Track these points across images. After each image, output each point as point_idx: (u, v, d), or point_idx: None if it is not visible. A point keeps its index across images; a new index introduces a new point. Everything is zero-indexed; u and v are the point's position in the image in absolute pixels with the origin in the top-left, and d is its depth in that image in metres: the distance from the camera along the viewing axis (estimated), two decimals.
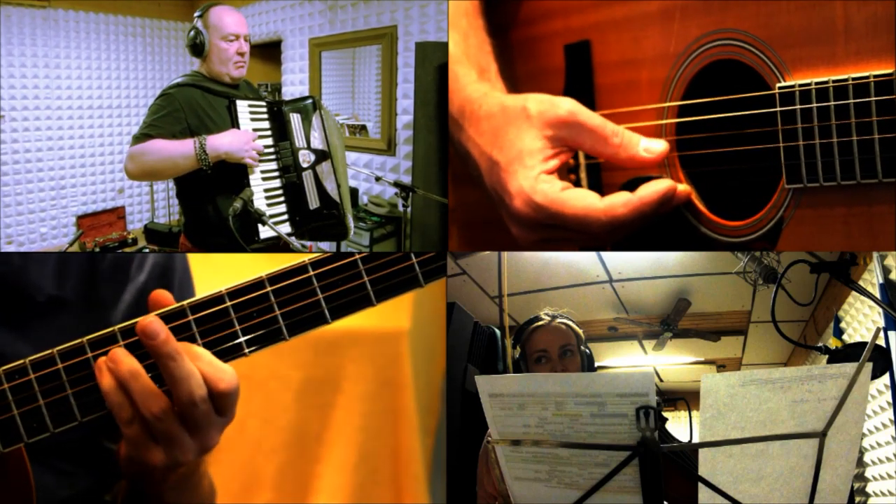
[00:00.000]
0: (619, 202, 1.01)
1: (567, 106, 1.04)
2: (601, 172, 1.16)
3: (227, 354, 0.82)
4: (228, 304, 0.81)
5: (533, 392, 0.99)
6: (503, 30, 1.25)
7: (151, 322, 0.77)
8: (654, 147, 1.04)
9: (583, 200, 1.02)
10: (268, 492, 1.80)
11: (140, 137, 1.86)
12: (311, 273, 0.82)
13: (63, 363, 0.79)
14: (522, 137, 1.05)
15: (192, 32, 1.99)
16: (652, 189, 1.02)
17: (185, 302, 0.81)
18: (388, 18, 3.69)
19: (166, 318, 0.81)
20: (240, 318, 0.81)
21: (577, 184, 1.14)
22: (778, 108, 0.95)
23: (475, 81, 1.14)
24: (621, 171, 1.12)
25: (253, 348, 0.82)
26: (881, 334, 1.66)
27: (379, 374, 1.83)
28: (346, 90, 4.31)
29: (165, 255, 1.03)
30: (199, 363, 0.78)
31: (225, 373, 0.80)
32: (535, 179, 1.03)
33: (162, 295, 0.82)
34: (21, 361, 0.79)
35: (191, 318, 0.81)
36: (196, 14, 2.02)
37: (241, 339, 0.82)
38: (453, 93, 1.14)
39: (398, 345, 1.83)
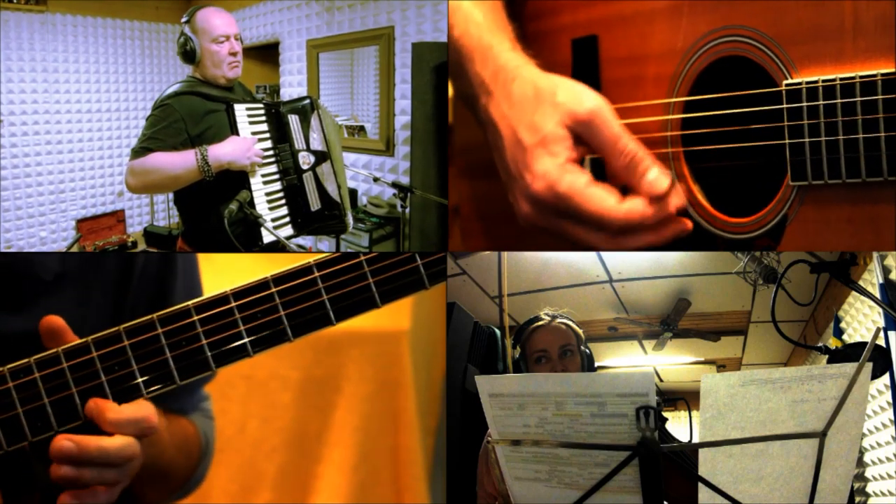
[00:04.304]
0: (640, 205, 1.01)
1: (589, 105, 1.04)
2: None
3: (231, 355, 0.82)
4: (233, 304, 0.81)
5: (533, 392, 0.99)
6: (517, 28, 1.25)
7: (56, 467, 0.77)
8: (658, 184, 1.01)
9: (606, 199, 1.01)
10: (268, 492, 1.80)
11: (140, 151, 1.85)
12: (317, 274, 0.82)
13: (68, 362, 0.79)
14: (546, 122, 1.04)
15: (182, 39, 1.97)
16: (671, 230, 1.03)
17: (189, 302, 0.81)
18: (385, 19, 3.69)
19: (170, 318, 0.80)
20: (244, 319, 0.81)
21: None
22: (784, 105, 0.95)
23: (510, 50, 1.13)
24: None
25: (257, 349, 0.82)
26: (881, 334, 1.66)
27: (379, 374, 1.83)
28: (344, 91, 4.31)
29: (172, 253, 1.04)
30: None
31: (147, 420, 0.80)
32: (562, 168, 1.03)
33: (50, 321, 0.80)
34: (26, 360, 0.79)
35: (195, 318, 0.81)
36: (183, 20, 2.00)
37: (246, 340, 0.81)
38: (486, 60, 1.12)
39: (398, 345, 1.83)
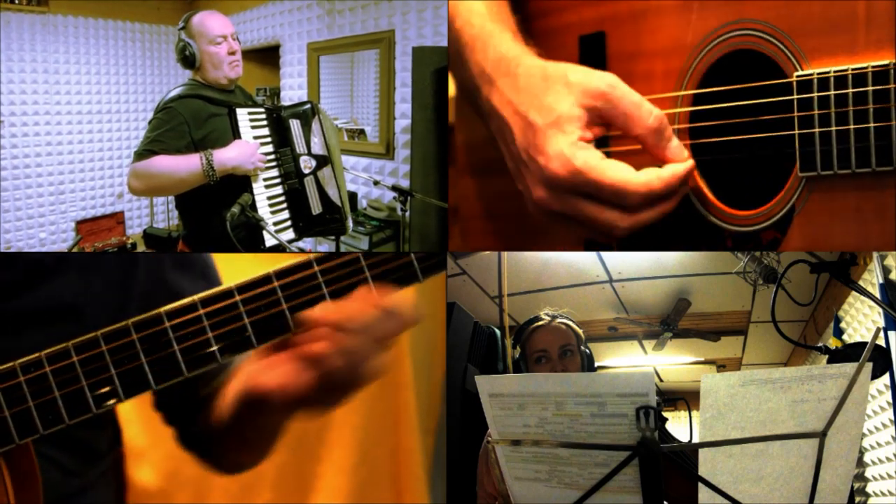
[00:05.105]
0: (654, 176, 1.01)
1: (608, 79, 1.04)
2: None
3: (237, 349, 0.83)
4: (238, 297, 0.83)
5: (533, 392, 0.99)
6: (519, 21, 1.25)
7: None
8: (681, 151, 1.03)
9: (622, 171, 1.01)
10: (268, 492, 1.80)
11: (143, 154, 1.85)
12: (316, 269, 0.84)
13: (78, 356, 0.80)
14: (561, 103, 1.04)
15: (180, 45, 1.98)
16: (683, 166, 1.03)
17: (195, 297, 0.83)
18: (386, 23, 3.69)
19: (177, 312, 0.82)
20: (248, 312, 0.83)
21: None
22: (795, 96, 0.95)
23: (511, 40, 1.12)
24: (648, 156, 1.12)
25: (262, 341, 0.84)
26: (881, 334, 1.66)
27: None
28: (344, 94, 4.31)
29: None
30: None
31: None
32: (574, 145, 1.02)
33: None
34: (36, 355, 0.80)
35: (202, 311, 0.82)
36: (179, 26, 2.01)
37: (251, 333, 0.83)
38: (487, 48, 1.12)
39: (398, 345, 1.83)
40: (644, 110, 1.02)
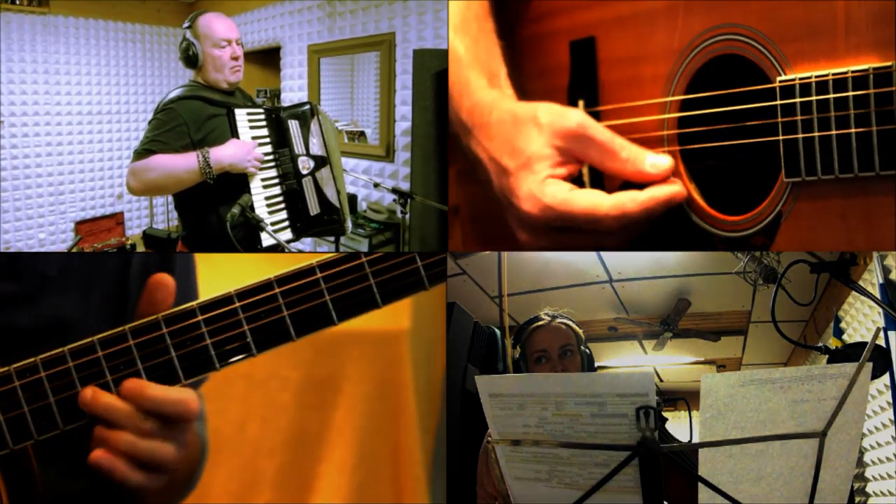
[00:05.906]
0: (628, 198, 1.02)
1: (576, 118, 1.05)
2: (604, 177, 1.17)
3: (235, 354, 0.83)
4: (237, 304, 0.82)
5: (533, 392, 0.99)
6: (510, 28, 1.25)
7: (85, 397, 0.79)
8: (661, 163, 1.04)
9: (591, 198, 1.02)
10: (268, 492, 1.80)
11: (142, 153, 1.85)
12: (319, 275, 0.83)
13: (73, 361, 0.80)
14: (531, 144, 1.05)
15: (184, 44, 1.99)
16: (664, 191, 1.03)
17: (194, 303, 0.82)
18: (387, 26, 3.70)
19: (175, 317, 0.81)
20: (248, 319, 0.82)
21: (581, 186, 1.14)
22: (778, 102, 0.96)
23: (485, 87, 1.14)
24: None
25: (261, 349, 0.83)
26: (881, 334, 1.66)
27: (379, 374, 1.83)
28: (344, 96, 4.31)
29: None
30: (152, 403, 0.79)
31: (185, 403, 0.80)
32: (542, 183, 1.04)
33: (162, 279, 0.81)
34: (31, 360, 0.80)
35: (200, 318, 0.82)
36: (185, 25, 2.02)
37: (250, 340, 0.83)
38: (462, 97, 1.14)
39: (398, 345, 1.84)
40: (616, 144, 1.04)
